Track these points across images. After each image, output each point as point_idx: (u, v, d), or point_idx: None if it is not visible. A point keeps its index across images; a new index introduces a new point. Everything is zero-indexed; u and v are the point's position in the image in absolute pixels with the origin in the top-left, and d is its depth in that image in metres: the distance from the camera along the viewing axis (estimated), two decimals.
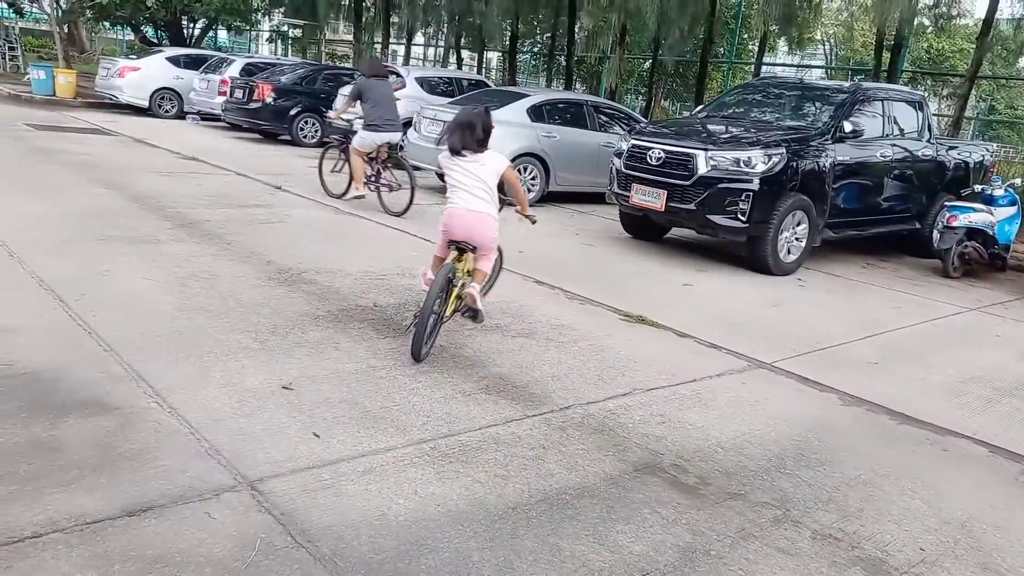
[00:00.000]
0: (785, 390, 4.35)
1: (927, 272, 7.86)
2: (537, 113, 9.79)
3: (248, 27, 28.80)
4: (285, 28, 28.25)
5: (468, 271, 4.28)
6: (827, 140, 7.20)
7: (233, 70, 15.05)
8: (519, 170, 9.50)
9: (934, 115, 15.69)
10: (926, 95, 9.94)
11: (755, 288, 6.59)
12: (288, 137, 13.62)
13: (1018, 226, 7.96)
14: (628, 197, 7.38)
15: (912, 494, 3.24)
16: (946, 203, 7.92)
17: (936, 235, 7.96)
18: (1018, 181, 8.23)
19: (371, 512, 2.67)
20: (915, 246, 8.39)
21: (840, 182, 7.29)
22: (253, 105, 13.34)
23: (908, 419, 4.05)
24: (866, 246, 8.37)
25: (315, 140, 13.52)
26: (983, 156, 8.92)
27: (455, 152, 4.16)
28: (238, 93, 13.65)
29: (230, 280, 5.21)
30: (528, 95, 10.22)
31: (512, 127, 9.48)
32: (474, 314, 4.23)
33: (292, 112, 13.44)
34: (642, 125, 9.25)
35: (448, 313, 4.25)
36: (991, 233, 7.62)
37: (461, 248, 4.23)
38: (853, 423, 3.98)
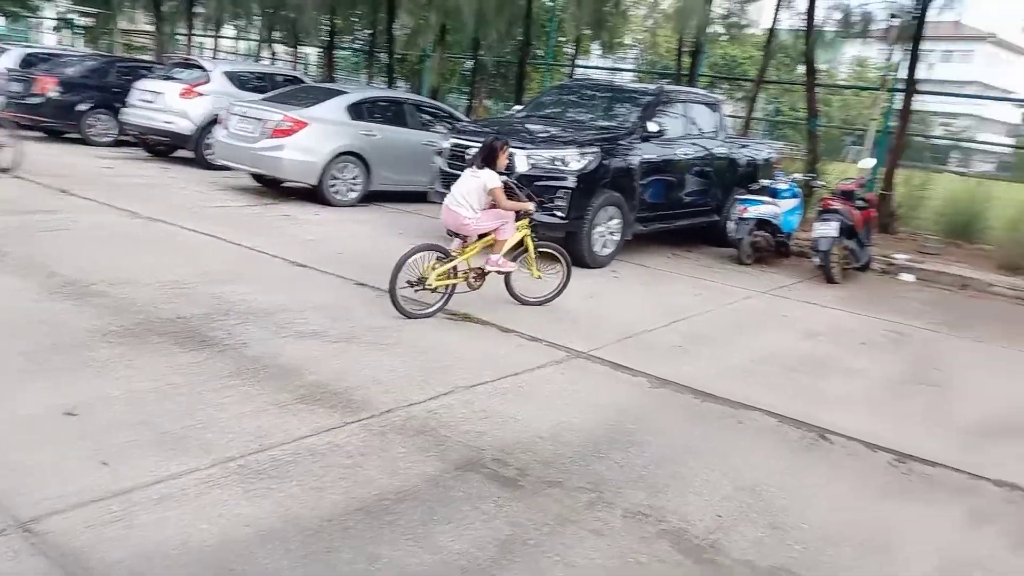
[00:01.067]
0: (601, 377, 4.54)
1: (724, 260, 8.56)
2: (357, 111, 9.57)
3: (28, 14, 25.86)
4: (72, 17, 25.65)
5: (468, 257, 5.49)
6: (635, 139, 7.63)
7: (8, 60, 13.43)
8: (338, 169, 9.25)
9: (729, 116, 17.11)
10: (721, 98, 10.79)
11: (573, 281, 6.83)
12: (78, 135, 12.36)
13: (801, 216, 8.85)
14: None
15: (712, 467, 3.49)
16: (738, 197, 8.66)
17: (731, 226, 8.67)
18: (799, 176, 9.16)
19: (169, 541, 2.46)
20: (715, 237, 9.09)
21: (647, 178, 7.75)
22: (33, 100, 11.97)
23: (710, 397, 4.37)
24: (672, 238, 8.96)
25: (111, 139, 12.39)
26: (769, 154, 9.86)
27: (469, 165, 5.58)
28: (15, 86, 12.20)
29: (4, 296, 4.63)
30: (347, 92, 9.96)
31: (331, 125, 9.20)
32: (506, 274, 5.67)
33: (80, 107, 12.20)
34: (463, 124, 9.33)
35: (433, 283, 5.22)
36: (777, 223, 8.41)
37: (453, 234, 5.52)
38: (662, 404, 4.23)
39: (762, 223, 8.38)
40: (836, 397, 4.65)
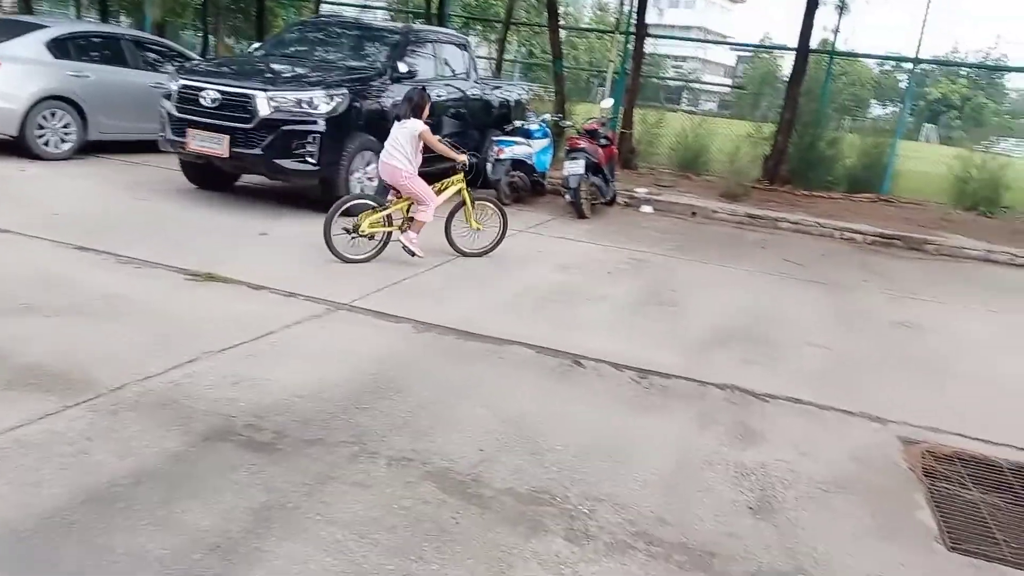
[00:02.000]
0: (363, 328, 4.43)
1: None
2: (61, 48, 8.30)
3: None
4: None
5: (405, 210, 5.77)
6: (386, 80, 7.42)
7: None
8: (45, 116, 8.00)
9: (486, 58, 17.29)
10: (470, 39, 10.84)
11: None
12: None
13: (551, 156, 9.25)
14: (185, 144, 6.73)
15: (476, 403, 3.56)
16: (494, 138, 8.83)
17: (489, 167, 8.85)
18: (548, 116, 9.54)
19: None
20: (474, 178, 9.20)
21: None
22: None
23: (472, 336, 4.45)
24: (432, 181, 8.94)
25: None
26: (520, 95, 10.14)
27: (396, 118, 5.73)
28: None
29: None
30: (47, 26, 8.58)
31: (27, 64, 7.93)
32: (410, 253, 5.71)
33: None
34: (194, 64, 8.47)
35: (366, 229, 5.57)
36: (531, 163, 8.73)
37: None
38: (426, 349, 4.23)
39: (518, 163, 8.65)
40: (587, 323, 4.96)
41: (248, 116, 6.48)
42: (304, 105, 6.60)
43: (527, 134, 8.80)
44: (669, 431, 3.53)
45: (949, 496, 3.18)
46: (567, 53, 18.15)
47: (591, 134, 8.65)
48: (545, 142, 8.96)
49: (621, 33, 11.65)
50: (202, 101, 6.60)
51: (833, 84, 12.85)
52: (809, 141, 11.16)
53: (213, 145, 6.61)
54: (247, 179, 7.95)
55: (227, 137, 6.54)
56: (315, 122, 6.60)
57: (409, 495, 2.74)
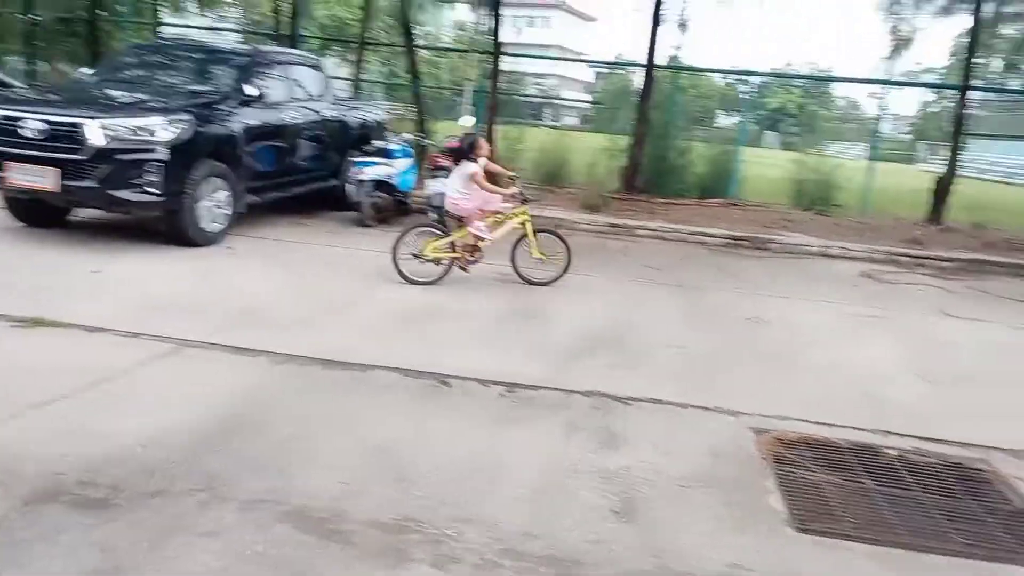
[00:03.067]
0: (217, 364, 4.19)
1: (348, 224, 8.56)
2: None
3: None
4: None
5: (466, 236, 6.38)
6: (234, 104, 7.12)
7: None
8: None
9: (346, 79, 17.01)
10: (328, 60, 10.63)
11: (180, 263, 6.24)
12: None
13: (415, 175, 9.19)
14: (3, 179, 6.15)
15: (338, 434, 3.44)
16: (353, 159, 8.68)
17: (350, 189, 8.67)
18: (409, 136, 9.48)
19: None
20: (335, 201, 9.01)
21: (254, 146, 7.33)
22: None
23: (335, 364, 4.30)
24: (293, 207, 8.69)
25: None
26: (380, 115, 10.04)
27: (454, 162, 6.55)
28: None
29: None
30: None
31: None
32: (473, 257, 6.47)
33: None
34: (16, 91, 7.80)
35: (428, 254, 6.23)
36: (395, 183, 8.64)
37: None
38: (284, 381, 4.05)
39: (380, 184, 8.53)
40: (453, 342, 4.93)
41: (79, 146, 6.02)
42: (142, 132, 6.20)
43: (388, 154, 8.70)
44: (536, 443, 3.54)
45: (796, 480, 3.37)
46: (429, 72, 18.21)
47: (453, 152, 8.66)
48: (407, 162, 8.90)
49: (478, 52, 11.80)
50: (24, 132, 6.07)
51: (682, 97, 13.56)
52: (662, 152, 11.72)
53: (39, 179, 6.08)
54: (85, 213, 7.39)
55: (56, 170, 6.04)
56: (155, 150, 6.21)
57: (263, 539, 2.59)
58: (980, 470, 3.64)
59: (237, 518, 2.70)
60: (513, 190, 6.54)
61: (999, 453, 3.82)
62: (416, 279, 6.19)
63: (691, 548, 2.76)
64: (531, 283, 6.54)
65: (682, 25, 11.68)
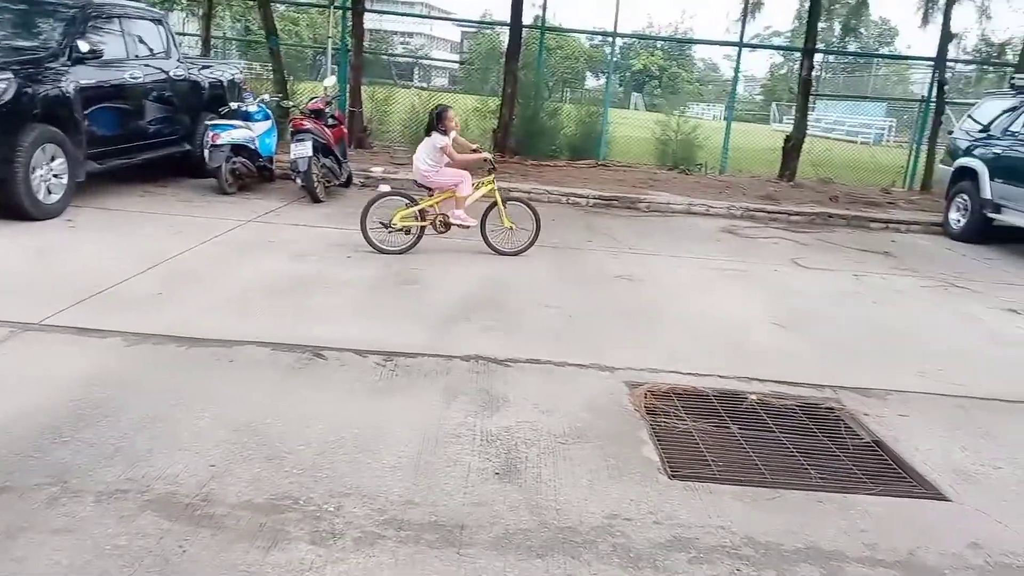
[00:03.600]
0: (61, 347, 3.84)
1: (206, 192, 8.05)
2: None
3: None
4: None
5: (435, 204, 6.40)
6: (65, 62, 6.46)
7: None
8: None
9: (195, 35, 15.85)
10: (174, 14, 9.84)
11: (13, 239, 5.66)
12: None
13: (276, 138, 8.74)
14: None
15: (203, 415, 3.24)
16: (208, 122, 8.13)
17: (207, 154, 8.14)
18: (267, 97, 8.97)
19: None
20: (191, 167, 8.45)
21: (92, 108, 6.71)
22: None
23: (197, 341, 4.05)
24: (143, 174, 8.06)
25: None
26: (235, 75, 9.43)
27: (426, 133, 6.37)
28: None
29: None
30: None
31: None
32: (464, 227, 6.50)
33: None
34: None
35: (397, 223, 6.21)
36: (254, 147, 8.18)
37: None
38: (141, 362, 3.76)
39: (239, 148, 8.05)
40: (328, 312, 4.76)
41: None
42: None
43: (246, 116, 8.21)
44: (416, 411, 3.49)
45: (668, 429, 3.51)
46: (288, 29, 17.32)
47: (316, 114, 8.29)
48: (267, 124, 8.44)
49: (337, 8, 11.30)
50: None
51: (550, 58, 13.62)
52: (531, 113, 11.77)
53: None
54: None
55: None
56: None
57: (124, 531, 2.40)
58: (832, 409, 3.93)
59: (94, 511, 2.49)
60: (481, 155, 6.53)
61: (848, 392, 4.14)
62: (386, 248, 6.24)
63: (572, 503, 2.81)
64: (501, 253, 6.52)
65: None
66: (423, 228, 6.37)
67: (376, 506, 2.68)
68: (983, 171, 9.01)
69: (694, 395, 3.94)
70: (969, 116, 10.24)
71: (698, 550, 2.58)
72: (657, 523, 2.73)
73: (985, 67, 15.22)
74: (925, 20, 12.13)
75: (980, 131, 9.56)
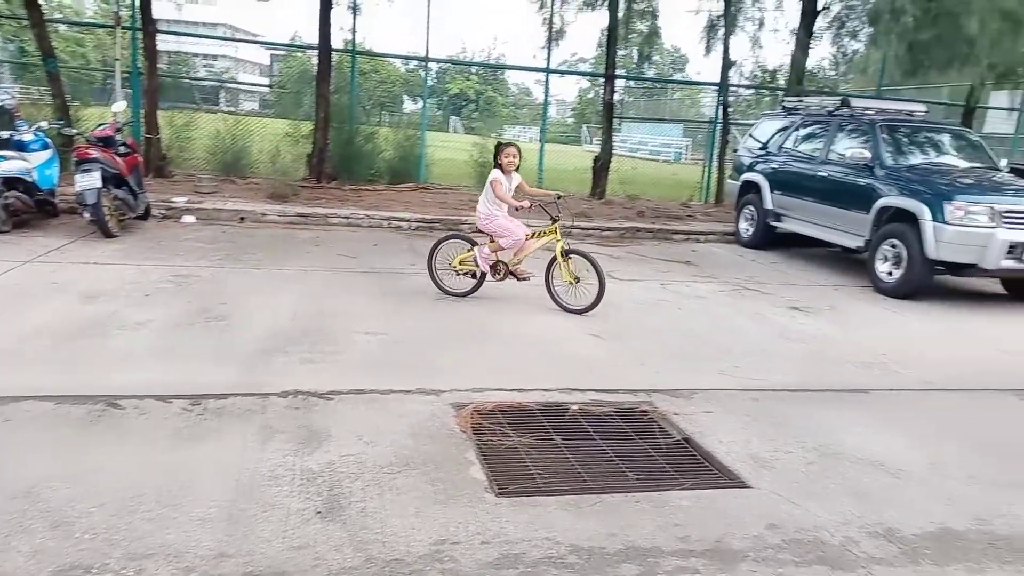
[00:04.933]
0: None
1: None
2: None
3: None
4: None
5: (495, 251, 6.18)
6: None
7: None
8: None
9: None
10: None
11: None
12: None
13: (58, 169, 7.92)
14: None
15: None
16: None
17: None
18: (45, 124, 8.11)
19: None
20: None
21: None
22: None
23: None
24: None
25: None
26: (4, 100, 8.46)
27: None
28: None
29: None
30: None
31: None
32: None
33: None
34: None
35: (457, 267, 6.26)
36: (32, 180, 7.36)
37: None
38: None
39: (12, 181, 7.21)
40: (124, 357, 4.35)
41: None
42: None
43: (20, 146, 7.37)
44: (229, 456, 3.25)
45: (494, 447, 3.53)
46: (71, 50, 15.87)
47: (106, 141, 7.61)
48: (46, 154, 7.63)
49: (125, 28, 10.48)
50: None
51: (365, 82, 13.50)
52: (347, 137, 11.56)
53: None
54: None
55: None
56: None
57: None
58: (645, 412, 4.15)
59: None
60: (524, 203, 5.92)
61: (660, 394, 4.39)
62: (450, 290, 6.21)
63: (399, 534, 2.74)
64: (567, 310, 6.07)
65: (354, 8, 11.57)
66: (484, 274, 6.19)
67: (183, 564, 2.46)
68: (764, 184, 10.02)
69: (519, 410, 4.00)
70: (750, 135, 11.35)
71: (526, 564, 2.60)
72: (485, 543, 2.72)
73: (761, 90, 16.99)
74: (708, 49, 13.33)
75: (760, 148, 10.62)
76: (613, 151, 13.27)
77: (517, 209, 5.95)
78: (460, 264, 6.24)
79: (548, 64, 13.02)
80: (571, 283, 6.03)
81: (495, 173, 6.02)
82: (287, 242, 8.14)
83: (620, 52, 14.61)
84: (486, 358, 4.85)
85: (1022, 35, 9.95)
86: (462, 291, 6.27)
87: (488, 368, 4.63)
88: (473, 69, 42.81)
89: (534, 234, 6.09)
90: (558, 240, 6.05)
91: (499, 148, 6.09)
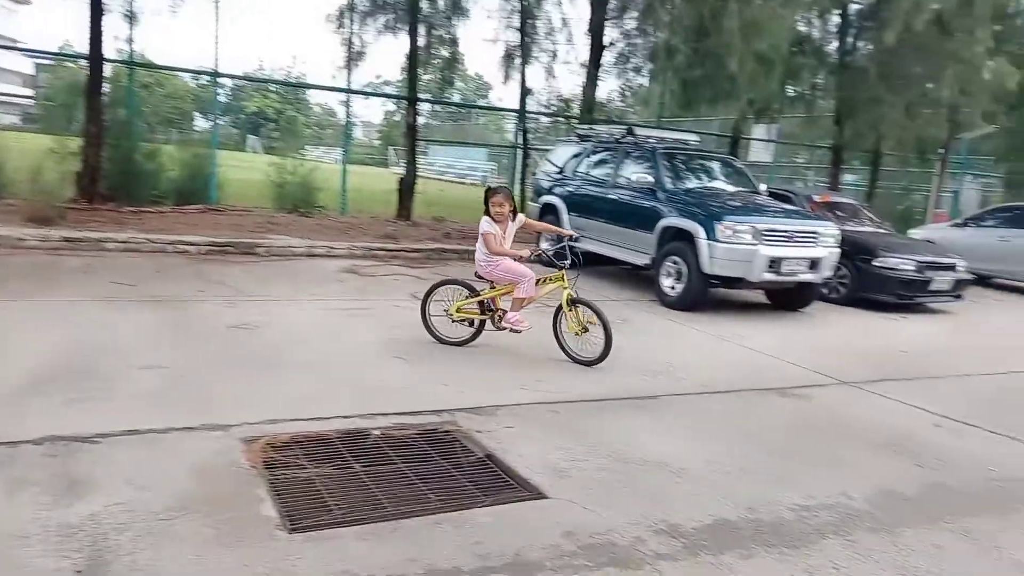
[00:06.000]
0: None
1: None
2: None
3: None
4: None
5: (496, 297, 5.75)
6: None
7: None
8: None
9: None
10: None
11: None
12: None
13: None
14: None
15: None
16: None
17: None
18: None
19: None
20: None
21: None
22: None
23: None
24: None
25: None
26: None
27: None
28: None
29: None
30: None
31: None
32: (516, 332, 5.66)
33: None
34: None
35: (453, 314, 5.79)
36: None
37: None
38: None
39: None
40: None
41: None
42: None
43: None
44: None
45: (288, 481, 3.33)
46: None
47: None
48: None
49: None
50: None
51: (149, 96, 12.50)
52: (125, 154, 10.59)
53: None
54: None
55: None
56: None
57: None
58: (448, 431, 4.13)
59: None
60: (523, 253, 5.60)
61: (463, 413, 4.39)
62: (446, 339, 5.79)
63: None
64: (577, 361, 5.61)
65: (130, 16, 10.68)
66: (483, 321, 5.76)
67: None
68: (562, 206, 10.51)
69: (317, 440, 3.82)
70: (547, 159, 11.88)
71: None
72: None
73: (558, 118, 17.92)
74: (506, 77, 13.84)
75: (557, 172, 11.14)
76: (419, 173, 13.31)
77: (519, 260, 5.59)
78: (458, 312, 5.79)
79: (349, 85, 12.82)
80: (578, 333, 5.60)
81: (485, 224, 5.60)
82: (52, 270, 7.26)
83: (425, 76, 14.77)
84: (282, 388, 4.60)
85: (774, 75, 11.35)
86: (459, 340, 5.82)
87: (285, 398, 4.39)
88: (272, 87, 41.20)
89: (539, 281, 5.69)
90: (564, 287, 5.61)
91: (488, 194, 5.69)
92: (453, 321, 5.82)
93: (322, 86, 24.53)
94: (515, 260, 5.56)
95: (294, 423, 4.00)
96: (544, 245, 5.35)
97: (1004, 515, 3.64)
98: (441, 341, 5.86)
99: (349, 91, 12.98)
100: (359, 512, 3.10)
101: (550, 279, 5.69)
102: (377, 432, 4.00)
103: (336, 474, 3.45)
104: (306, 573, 2.62)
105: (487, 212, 5.61)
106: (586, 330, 5.56)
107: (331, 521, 3.00)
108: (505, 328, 5.67)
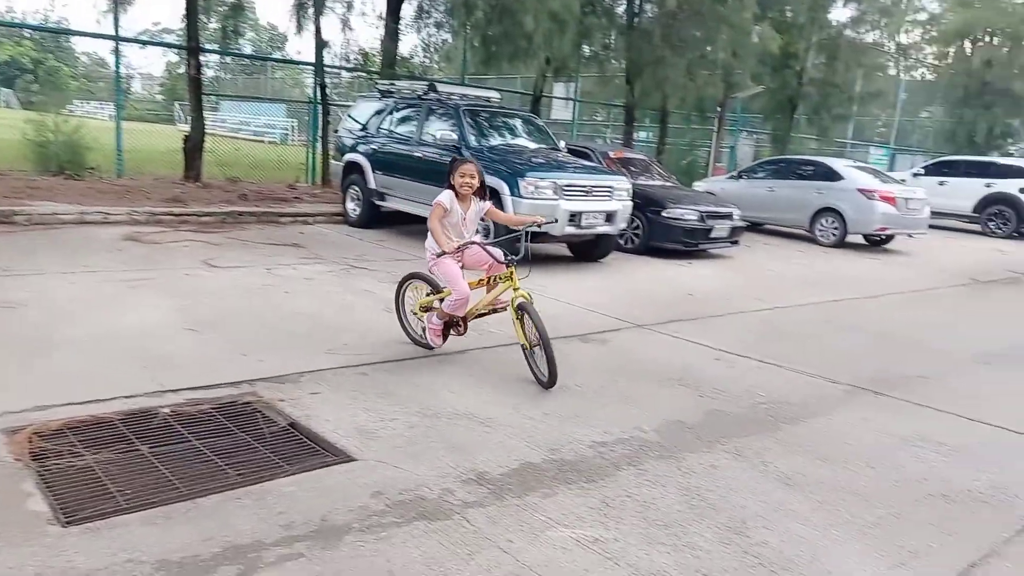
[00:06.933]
0: None
1: None
2: None
3: None
4: None
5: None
6: None
7: None
8: None
9: None
10: None
11: None
12: None
13: None
14: None
15: None
16: None
17: None
18: None
19: None
20: None
21: None
22: None
23: None
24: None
25: None
26: None
27: None
28: None
29: None
30: None
31: None
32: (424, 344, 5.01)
33: None
34: None
35: (417, 311, 5.04)
36: None
37: None
38: None
39: None
40: None
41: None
42: None
43: None
44: None
45: (61, 471, 3.00)
46: None
47: None
48: None
49: None
50: None
51: None
52: None
53: None
54: None
55: None
56: None
57: None
58: (249, 403, 3.92)
59: None
60: (452, 245, 4.51)
61: (264, 383, 4.19)
62: (423, 342, 5.01)
63: None
64: (540, 383, 4.52)
65: None
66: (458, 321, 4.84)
67: None
68: (367, 165, 10.23)
69: (95, 425, 3.48)
70: (349, 116, 11.48)
71: None
72: None
73: (360, 73, 17.33)
74: (299, 28, 13.09)
75: (360, 130, 10.80)
76: (209, 131, 12.34)
77: (456, 254, 4.59)
78: (421, 310, 5.00)
79: (116, 31, 11.50)
80: (526, 347, 4.59)
81: (443, 195, 4.63)
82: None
83: (210, 25, 13.61)
84: (52, 370, 4.11)
85: (567, 34, 11.71)
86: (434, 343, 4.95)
87: (54, 381, 3.93)
88: (26, 33, 36.11)
89: (481, 281, 4.74)
90: (515, 289, 4.57)
91: (453, 164, 4.71)
92: (417, 321, 5.10)
93: (84, 32, 21.85)
94: (453, 258, 4.60)
95: (66, 408, 3.61)
96: (478, 238, 4.41)
97: (770, 434, 4.11)
98: (417, 344, 5.10)
99: (117, 39, 11.64)
100: (147, 496, 2.87)
101: (499, 278, 4.66)
102: (166, 410, 3.71)
103: (119, 459, 3.16)
104: (86, 566, 2.39)
105: (450, 186, 4.66)
106: (535, 344, 4.51)
107: (114, 509, 2.75)
108: (463, 333, 4.91)
